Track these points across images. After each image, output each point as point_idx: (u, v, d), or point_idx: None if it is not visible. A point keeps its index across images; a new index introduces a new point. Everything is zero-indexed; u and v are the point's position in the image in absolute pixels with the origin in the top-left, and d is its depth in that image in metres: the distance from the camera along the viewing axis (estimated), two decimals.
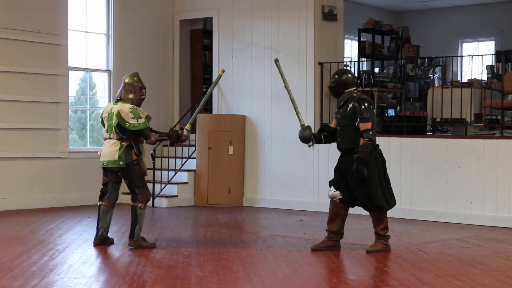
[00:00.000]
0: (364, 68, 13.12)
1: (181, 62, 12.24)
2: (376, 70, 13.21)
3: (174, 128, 7.36)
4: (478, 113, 10.04)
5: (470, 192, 9.04)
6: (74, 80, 11.50)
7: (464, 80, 11.51)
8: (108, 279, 5.57)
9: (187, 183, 11.09)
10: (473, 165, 9.03)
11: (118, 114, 6.77)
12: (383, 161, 6.79)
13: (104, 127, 7.01)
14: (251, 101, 11.12)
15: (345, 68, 6.98)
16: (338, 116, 6.84)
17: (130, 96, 6.91)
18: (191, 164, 11.22)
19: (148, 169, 11.14)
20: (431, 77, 14.35)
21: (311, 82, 10.43)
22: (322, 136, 6.99)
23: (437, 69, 14.47)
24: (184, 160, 11.21)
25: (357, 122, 6.61)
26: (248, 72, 11.18)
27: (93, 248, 6.92)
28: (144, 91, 7.02)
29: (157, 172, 11.01)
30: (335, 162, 6.98)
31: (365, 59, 13.13)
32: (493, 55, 13.28)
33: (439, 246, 7.24)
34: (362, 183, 6.62)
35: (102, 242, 7.03)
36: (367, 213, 6.91)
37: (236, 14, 11.34)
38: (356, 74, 11.60)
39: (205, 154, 11.03)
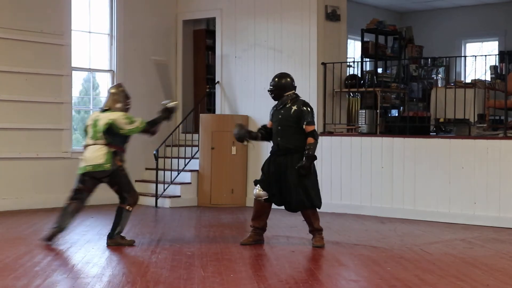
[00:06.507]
0: (367, 69, 13.10)
1: (184, 63, 12.24)
2: (379, 70, 13.20)
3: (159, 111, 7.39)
4: (481, 114, 10.01)
5: (473, 193, 9.03)
6: (78, 80, 11.51)
7: (468, 80, 11.50)
8: (111, 279, 5.57)
9: (190, 183, 11.08)
10: (477, 166, 9.02)
11: (113, 123, 6.92)
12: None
13: (86, 135, 7.13)
14: (254, 101, 11.11)
15: (284, 72, 7.35)
16: (280, 116, 7.17)
17: (118, 105, 7.11)
18: (194, 164, 11.22)
19: (151, 169, 11.30)
20: (435, 78, 14.34)
21: (314, 82, 10.42)
22: (260, 134, 7.41)
23: (441, 70, 14.46)
24: (187, 160, 11.21)
25: (303, 125, 7.00)
26: (251, 72, 11.17)
27: (96, 248, 6.93)
28: (128, 101, 7.22)
29: (160, 173, 11.01)
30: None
31: (368, 59, 13.12)
32: (497, 56, 13.26)
33: (442, 247, 7.24)
34: (301, 182, 6.94)
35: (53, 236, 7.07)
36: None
37: (239, 15, 11.33)
38: (359, 74, 11.62)
39: (208, 154, 11.03)
